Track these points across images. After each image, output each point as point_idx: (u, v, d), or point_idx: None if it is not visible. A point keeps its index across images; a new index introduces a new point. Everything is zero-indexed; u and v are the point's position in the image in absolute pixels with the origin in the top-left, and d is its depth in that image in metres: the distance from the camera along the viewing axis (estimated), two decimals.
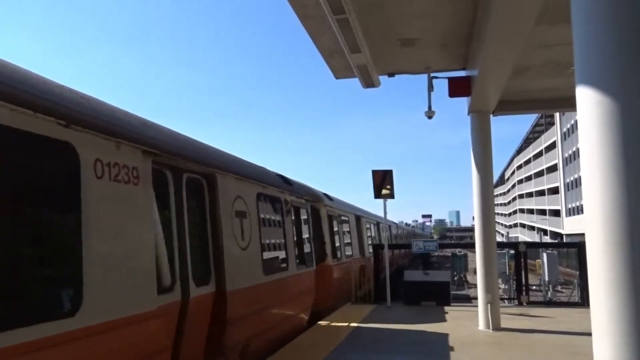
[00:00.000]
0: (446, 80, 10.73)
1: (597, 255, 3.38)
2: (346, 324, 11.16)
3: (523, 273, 14.62)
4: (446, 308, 13.42)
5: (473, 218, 11.41)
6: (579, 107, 3.59)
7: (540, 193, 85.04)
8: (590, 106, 3.44)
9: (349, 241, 16.78)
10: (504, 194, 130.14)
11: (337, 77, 11.25)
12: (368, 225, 20.74)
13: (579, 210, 62.25)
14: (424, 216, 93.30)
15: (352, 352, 8.61)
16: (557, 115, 68.61)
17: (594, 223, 3.41)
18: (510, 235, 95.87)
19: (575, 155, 63.02)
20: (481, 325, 10.62)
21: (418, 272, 15.01)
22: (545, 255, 21.83)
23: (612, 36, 3.35)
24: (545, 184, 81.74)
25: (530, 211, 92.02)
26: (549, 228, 75.84)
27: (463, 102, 11.49)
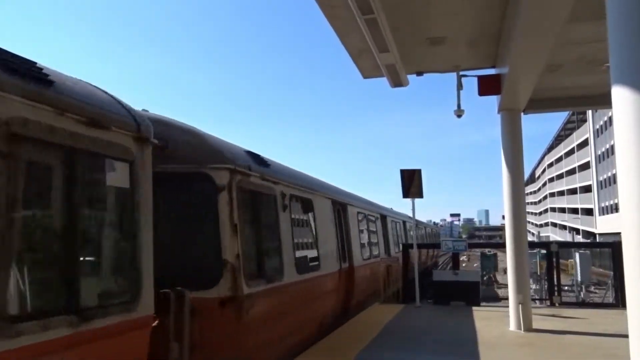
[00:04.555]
0: (475, 79, 10.63)
1: (634, 256, 3.33)
2: (376, 322, 11.17)
3: (555, 273, 14.41)
4: (476, 308, 13.31)
5: (503, 217, 11.28)
6: (614, 105, 3.54)
7: (572, 191, 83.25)
8: (626, 105, 3.40)
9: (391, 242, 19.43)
10: (535, 192, 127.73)
11: (364, 77, 11.23)
12: (393, 225, 20.98)
13: (612, 209, 60.79)
14: (452, 215, 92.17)
15: (383, 351, 8.63)
16: (589, 112, 67.07)
17: (630, 223, 3.36)
18: (541, 235, 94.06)
19: (608, 153, 61.53)
20: (512, 326, 10.50)
21: (447, 271, 14.90)
22: (577, 255, 21.38)
23: None
24: (577, 182, 80.00)
25: (562, 210, 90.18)
26: (581, 227, 74.23)
27: (493, 100, 11.37)
